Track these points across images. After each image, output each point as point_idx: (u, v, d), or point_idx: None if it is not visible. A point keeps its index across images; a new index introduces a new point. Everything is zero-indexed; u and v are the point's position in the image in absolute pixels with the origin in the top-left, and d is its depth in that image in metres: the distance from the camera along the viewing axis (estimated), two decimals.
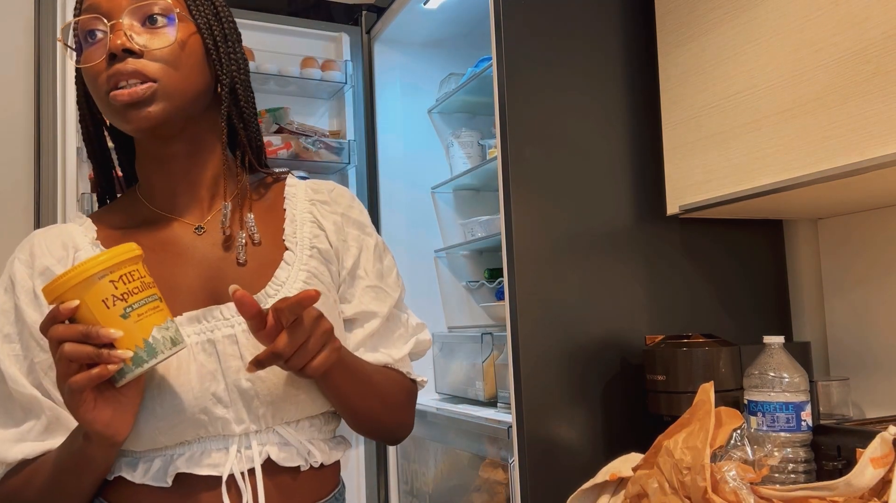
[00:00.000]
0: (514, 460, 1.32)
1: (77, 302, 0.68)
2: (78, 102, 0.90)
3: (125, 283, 0.69)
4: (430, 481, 1.91)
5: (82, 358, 0.68)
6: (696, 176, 1.31)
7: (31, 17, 1.80)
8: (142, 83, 0.80)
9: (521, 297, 1.33)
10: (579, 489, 1.07)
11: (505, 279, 1.36)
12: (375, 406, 0.91)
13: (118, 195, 0.95)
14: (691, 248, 1.47)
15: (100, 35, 0.81)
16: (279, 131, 2.01)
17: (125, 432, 0.74)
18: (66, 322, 0.69)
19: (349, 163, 2.08)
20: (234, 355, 0.80)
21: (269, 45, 2.03)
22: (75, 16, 0.84)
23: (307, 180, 0.99)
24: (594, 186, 1.41)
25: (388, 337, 0.96)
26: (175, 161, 0.87)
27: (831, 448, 1.08)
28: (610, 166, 1.42)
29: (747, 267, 1.51)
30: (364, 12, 2.13)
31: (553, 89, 1.40)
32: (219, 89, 0.89)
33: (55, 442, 0.80)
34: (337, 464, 0.92)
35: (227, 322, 0.82)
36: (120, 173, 0.96)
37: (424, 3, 1.92)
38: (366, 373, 0.89)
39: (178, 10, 0.84)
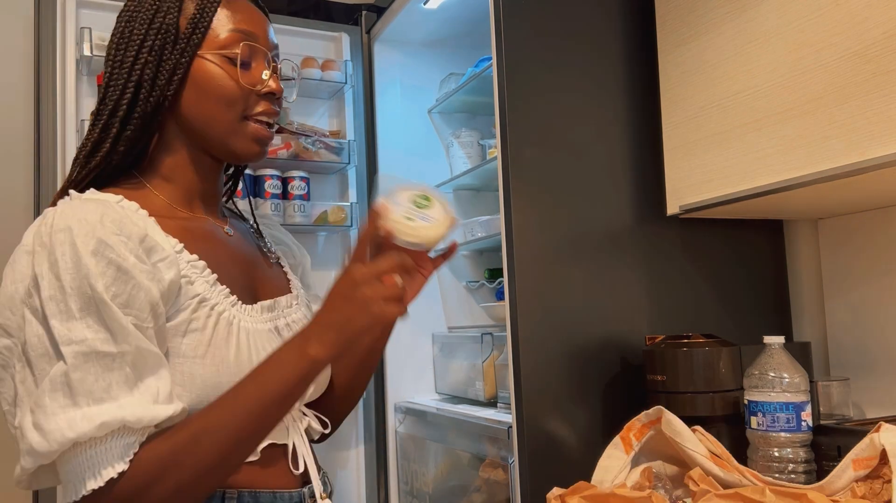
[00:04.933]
0: (514, 460, 1.32)
1: None
2: (143, 74, 0.90)
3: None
4: (430, 481, 1.91)
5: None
6: (696, 176, 1.31)
7: (31, 18, 1.80)
8: (272, 125, 0.97)
9: (521, 297, 1.33)
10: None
11: (505, 279, 1.36)
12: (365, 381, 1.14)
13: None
14: (691, 248, 1.47)
15: (250, 63, 0.94)
16: (279, 131, 2.00)
17: None
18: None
19: (349, 163, 2.08)
20: None
21: None
22: (209, 12, 0.93)
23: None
24: (594, 186, 1.41)
25: None
26: (214, 174, 1.00)
27: (831, 448, 1.08)
28: (610, 166, 1.42)
29: (747, 267, 1.51)
30: (364, 12, 2.13)
31: (553, 89, 1.39)
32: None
33: (179, 404, 0.80)
34: None
35: (283, 313, 0.98)
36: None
37: (424, 3, 1.92)
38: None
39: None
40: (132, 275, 0.78)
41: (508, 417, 1.50)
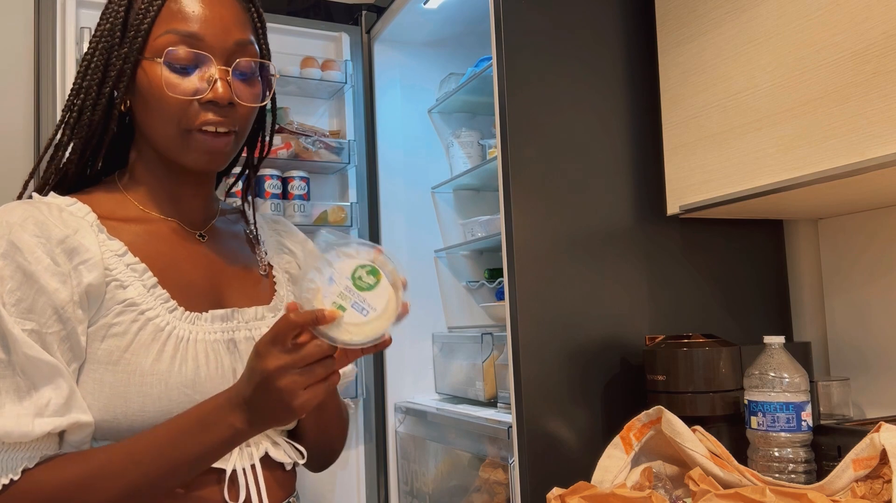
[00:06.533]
0: (514, 460, 1.32)
1: None
2: (92, 79, 0.86)
3: None
4: (430, 481, 1.91)
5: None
6: (696, 176, 1.31)
7: (31, 18, 1.80)
8: (227, 133, 0.85)
9: (521, 297, 1.33)
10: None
11: (505, 279, 1.36)
12: (338, 423, 1.03)
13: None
14: (692, 248, 1.47)
15: (193, 68, 0.84)
16: (279, 131, 2.01)
17: None
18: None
19: (349, 163, 2.08)
20: None
21: (269, 44, 2.02)
22: (152, 10, 0.83)
23: (259, 213, 1.09)
24: (594, 186, 1.41)
25: None
26: (187, 176, 0.92)
27: (831, 448, 1.08)
28: (610, 166, 1.42)
29: (748, 267, 1.51)
30: (364, 12, 2.13)
31: (553, 89, 1.39)
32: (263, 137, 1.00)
33: (76, 416, 0.76)
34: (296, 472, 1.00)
35: (246, 325, 0.89)
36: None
37: (424, 3, 1.92)
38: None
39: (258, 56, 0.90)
40: (37, 279, 0.76)
41: (508, 417, 1.50)
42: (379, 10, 2.10)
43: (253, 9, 0.92)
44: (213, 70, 0.83)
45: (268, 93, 0.91)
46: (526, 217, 1.35)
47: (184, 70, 0.83)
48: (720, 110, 1.25)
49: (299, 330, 0.72)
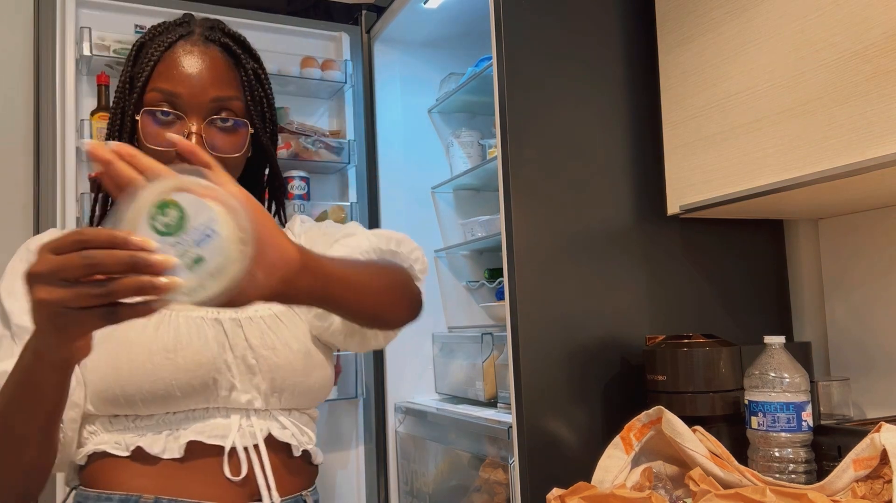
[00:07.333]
0: (514, 460, 1.32)
1: None
2: (113, 125, 0.98)
3: None
4: (430, 481, 1.91)
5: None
6: (696, 176, 1.31)
7: (31, 18, 1.80)
8: None
9: (521, 297, 1.33)
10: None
11: (505, 279, 1.36)
12: (378, 299, 0.97)
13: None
14: (692, 248, 1.47)
15: (172, 122, 0.93)
16: (279, 131, 2.01)
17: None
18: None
19: (349, 162, 2.08)
20: (240, 336, 0.93)
21: (269, 44, 2.02)
22: (145, 66, 0.94)
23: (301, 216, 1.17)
24: (594, 186, 1.41)
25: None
26: None
27: (832, 448, 1.08)
28: (610, 166, 1.42)
29: (748, 267, 1.51)
30: (364, 12, 2.13)
31: (553, 89, 1.39)
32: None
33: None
34: (315, 470, 1.02)
35: (233, 310, 0.94)
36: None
37: (424, 3, 1.92)
38: (357, 274, 0.89)
39: (243, 110, 0.98)
40: None
41: (508, 417, 1.50)
42: (379, 10, 2.10)
43: (241, 67, 0.98)
44: (189, 125, 0.93)
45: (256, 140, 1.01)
46: (526, 217, 1.35)
47: (164, 124, 0.93)
48: (720, 110, 1.25)
49: (91, 238, 0.58)
